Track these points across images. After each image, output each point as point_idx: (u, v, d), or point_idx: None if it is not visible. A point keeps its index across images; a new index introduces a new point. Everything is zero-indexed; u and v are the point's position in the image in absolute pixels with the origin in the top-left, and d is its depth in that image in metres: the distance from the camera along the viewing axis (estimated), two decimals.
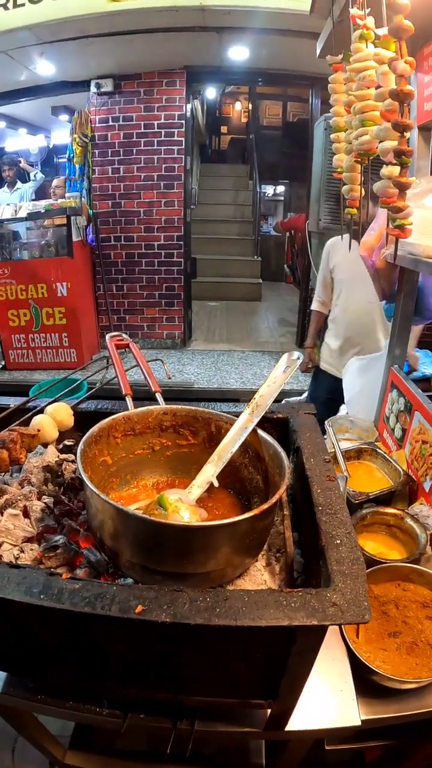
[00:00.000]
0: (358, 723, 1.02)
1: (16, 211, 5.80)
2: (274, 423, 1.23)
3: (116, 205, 6.17)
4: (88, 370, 5.60)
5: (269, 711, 0.99)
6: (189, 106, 6.11)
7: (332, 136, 1.86)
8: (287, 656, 0.81)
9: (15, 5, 4.61)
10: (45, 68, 5.48)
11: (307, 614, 0.72)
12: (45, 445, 1.25)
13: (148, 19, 4.69)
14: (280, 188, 12.42)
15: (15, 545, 1.05)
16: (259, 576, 1.04)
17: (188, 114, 6.08)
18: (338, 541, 0.87)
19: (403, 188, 1.26)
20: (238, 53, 5.45)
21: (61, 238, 5.67)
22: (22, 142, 9.63)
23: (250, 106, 12.09)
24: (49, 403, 1.28)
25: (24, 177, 7.41)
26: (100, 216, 6.22)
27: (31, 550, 1.04)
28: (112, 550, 0.94)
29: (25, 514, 1.12)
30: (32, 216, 5.65)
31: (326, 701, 1.05)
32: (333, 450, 1.79)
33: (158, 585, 0.79)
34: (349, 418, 2.29)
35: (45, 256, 5.75)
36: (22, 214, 5.71)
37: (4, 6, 4.62)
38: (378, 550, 1.48)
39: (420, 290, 2.06)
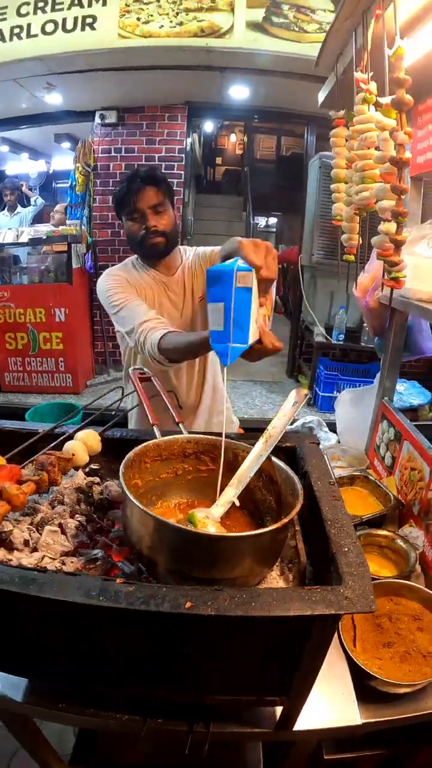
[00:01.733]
0: (359, 722, 1.14)
1: (17, 235, 5.91)
2: (284, 451, 1.35)
3: (115, 234, 6.29)
4: (84, 396, 5.75)
5: (280, 710, 1.10)
6: (189, 140, 6.29)
7: (332, 186, 1.99)
8: (302, 650, 0.92)
9: (29, 35, 4.78)
10: (52, 97, 5.65)
11: (326, 606, 0.84)
12: (76, 468, 1.35)
13: (156, 56, 4.87)
14: (273, 220, 12.62)
15: (55, 558, 1.15)
16: (275, 583, 1.15)
17: (188, 148, 6.26)
18: (346, 549, 0.99)
19: (398, 245, 1.39)
20: (239, 92, 5.63)
21: (61, 264, 5.78)
22: (23, 167, 9.80)
23: (245, 138, 12.36)
24: (77, 430, 1.38)
25: (24, 201, 7.54)
26: (99, 244, 6.34)
27: (72, 562, 1.14)
28: (150, 558, 1.05)
29: (61, 530, 1.22)
30: (33, 241, 5.77)
31: (329, 703, 1.17)
32: None
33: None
34: (342, 447, 2.41)
35: (44, 281, 5.86)
36: (24, 239, 5.82)
37: (18, 35, 4.79)
38: (371, 569, 1.57)
39: (409, 328, 2.21)
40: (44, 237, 5.80)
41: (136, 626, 0.95)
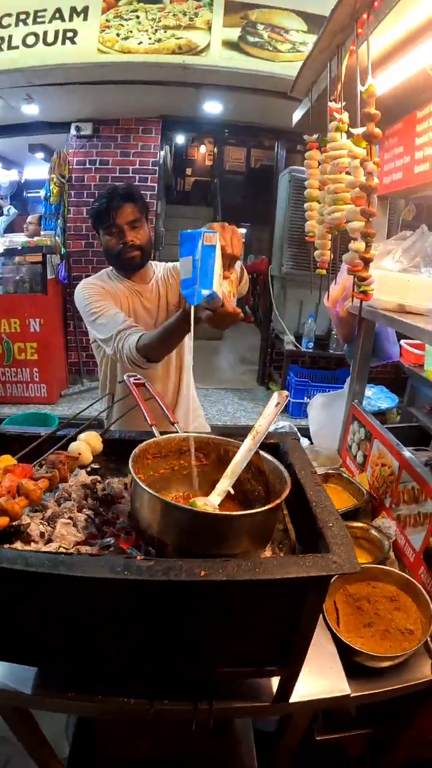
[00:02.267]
0: (348, 692, 1.26)
1: None
2: (269, 446, 1.46)
3: (89, 245, 6.37)
4: (58, 406, 5.79)
5: (278, 682, 1.22)
6: (162, 153, 6.42)
7: (306, 205, 2.11)
8: (299, 614, 1.06)
9: (9, 47, 4.82)
10: (29, 108, 5.71)
11: (318, 569, 0.98)
12: (80, 467, 1.46)
13: (133, 71, 4.96)
14: (242, 230, 12.76)
15: (69, 548, 1.26)
16: None
17: (161, 161, 6.38)
18: (330, 525, 1.13)
19: (367, 262, 1.55)
20: (212, 107, 5.78)
21: (36, 275, 5.84)
22: None
23: (215, 150, 12.53)
24: (79, 432, 1.49)
25: None
26: (73, 255, 6.41)
27: (86, 550, 1.26)
28: (159, 540, 1.17)
29: (73, 523, 1.34)
30: (9, 252, 5.82)
31: (320, 678, 1.29)
32: None
33: None
34: (315, 448, 2.55)
35: (19, 291, 5.90)
36: None
37: None
38: None
39: (376, 335, 2.37)
40: (19, 248, 5.85)
41: (151, 603, 1.06)
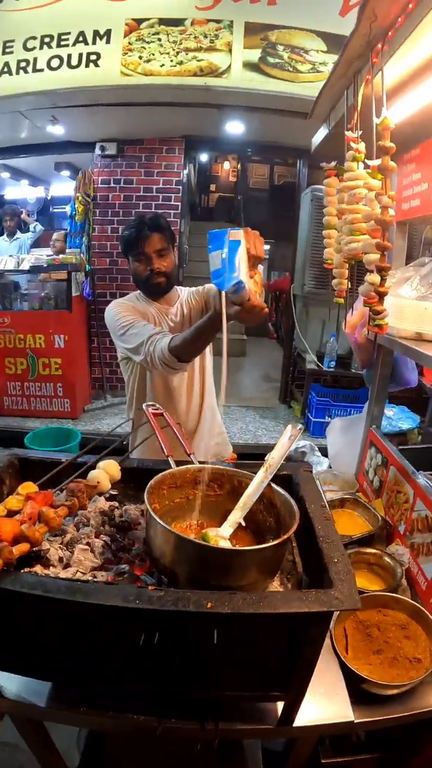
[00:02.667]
0: (353, 719, 1.29)
1: (18, 263, 6.06)
2: (282, 478, 1.50)
3: (113, 263, 6.47)
4: (81, 421, 5.85)
5: (282, 705, 1.25)
6: (185, 172, 6.49)
7: (324, 232, 2.13)
8: (302, 646, 1.10)
9: (35, 69, 4.94)
10: (54, 128, 5.82)
11: (320, 605, 1.02)
12: (99, 495, 1.51)
13: (156, 93, 5.03)
14: (266, 247, 12.74)
15: (86, 573, 1.31)
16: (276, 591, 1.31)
17: (184, 180, 6.45)
18: (336, 560, 1.17)
19: (381, 296, 1.55)
20: (234, 127, 5.82)
21: (61, 292, 5.92)
22: (22, 192, 9.97)
23: (239, 166, 12.59)
24: (98, 460, 1.53)
25: (23, 227, 7.70)
26: (97, 272, 6.50)
27: (102, 575, 1.31)
28: (171, 570, 1.22)
29: (90, 549, 1.38)
30: (35, 269, 5.91)
31: (325, 703, 1.32)
32: None
33: None
34: (333, 472, 2.56)
35: (44, 308, 5.99)
36: (25, 266, 5.97)
37: (24, 69, 4.96)
38: (360, 584, 1.74)
39: (395, 361, 2.38)
40: (45, 265, 5.94)
41: (161, 629, 1.09)
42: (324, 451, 3.14)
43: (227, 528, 1.33)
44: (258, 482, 1.38)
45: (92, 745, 1.88)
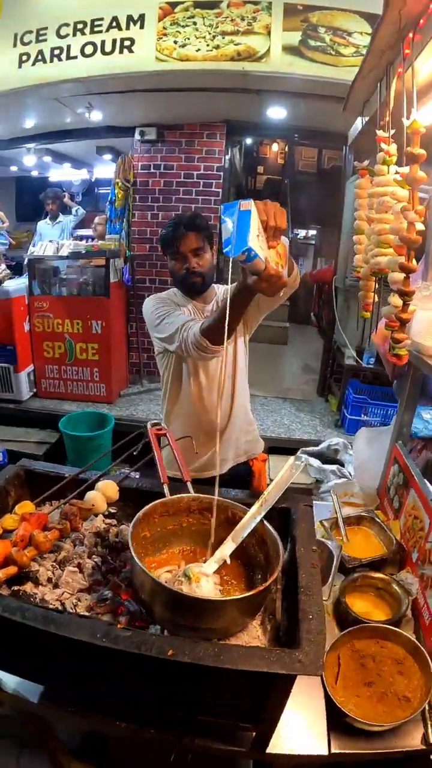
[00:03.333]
0: (326, 753, 1.28)
1: (57, 248, 6.07)
2: (279, 511, 1.50)
3: (153, 249, 6.41)
4: (116, 405, 5.88)
5: (254, 733, 1.26)
6: (227, 158, 6.37)
7: (354, 237, 2.04)
8: (269, 691, 1.11)
9: (68, 57, 4.86)
10: (93, 115, 5.79)
11: (281, 665, 1.02)
12: (96, 514, 1.51)
13: (193, 78, 4.90)
14: (312, 232, 12.55)
15: (72, 594, 1.35)
16: (254, 631, 1.31)
17: (226, 165, 6.34)
18: (311, 617, 1.15)
19: (403, 322, 1.43)
20: (276, 112, 5.66)
21: (99, 278, 5.93)
22: (66, 174, 10.02)
23: (287, 148, 12.34)
24: (98, 478, 1.51)
25: (66, 210, 7.72)
26: (136, 258, 6.47)
27: (86, 599, 1.34)
28: (148, 605, 1.23)
29: (79, 569, 1.41)
30: (73, 255, 5.92)
31: (302, 734, 1.32)
32: (336, 516, 2.01)
33: (182, 633, 1.14)
34: (357, 483, 2.47)
35: (83, 294, 6.02)
36: (64, 252, 5.98)
37: (58, 57, 4.89)
38: (366, 609, 1.72)
39: (426, 375, 2.24)
40: (83, 251, 5.94)
41: (129, 662, 1.12)
42: None
43: (212, 564, 1.31)
44: (250, 516, 1.35)
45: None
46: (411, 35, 1.31)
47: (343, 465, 4.56)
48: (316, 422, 5.71)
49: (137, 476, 2.36)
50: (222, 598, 1.24)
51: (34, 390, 6.20)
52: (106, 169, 8.91)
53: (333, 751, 1.29)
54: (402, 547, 1.91)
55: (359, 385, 5.42)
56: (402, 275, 1.42)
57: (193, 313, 2.35)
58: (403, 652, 1.51)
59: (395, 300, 1.45)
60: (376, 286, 1.91)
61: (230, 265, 1.48)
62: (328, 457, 4.76)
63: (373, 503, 2.31)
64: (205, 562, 1.34)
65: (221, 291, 2.48)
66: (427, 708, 1.37)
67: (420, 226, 1.38)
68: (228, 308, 1.81)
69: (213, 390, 2.40)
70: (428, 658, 1.44)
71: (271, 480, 1.37)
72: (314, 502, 2.55)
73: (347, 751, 1.31)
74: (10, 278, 5.91)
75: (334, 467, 4.49)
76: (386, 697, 1.39)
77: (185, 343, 2.06)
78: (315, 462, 4.60)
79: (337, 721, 1.33)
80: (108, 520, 1.59)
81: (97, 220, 7.07)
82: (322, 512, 2.25)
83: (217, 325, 1.91)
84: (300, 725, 1.32)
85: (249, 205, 1.43)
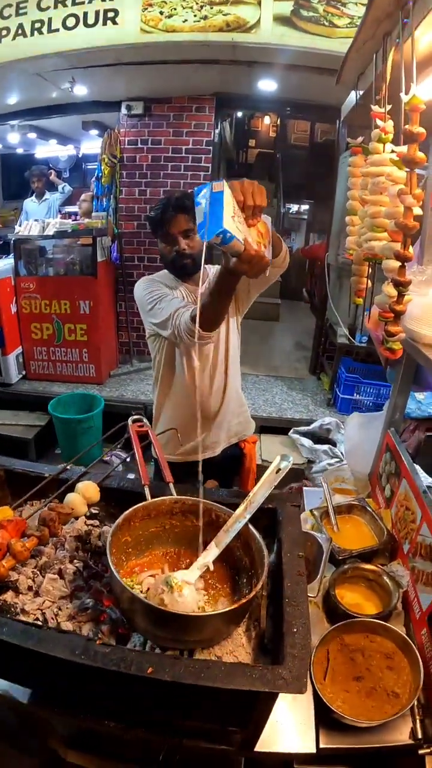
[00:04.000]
0: (314, 751, 1.27)
1: (43, 227, 5.95)
2: (266, 512, 1.44)
3: (141, 226, 6.27)
4: (106, 386, 5.82)
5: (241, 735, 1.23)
6: (217, 131, 6.22)
7: (347, 218, 1.96)
8: (254, 702, 1.08)
9: (50, 30, 4.69)
10: (77, 89, 5.61)
11: (263, 683, 0.98)
12: (76, 517, 1.47)
13: (180, 50, 4.75)
14: (305, 207, 12.42)
15: (54, 603, 1.30)
16: (239, 639, 1.27)
17: (216, 139, 6.19)
18: (295, 630, 1.11)
19: (397, 314, 1.35)
20: (268, 85, 5.51)
21: (86, 257, 5.80)
22: (52, 150, 9.85)
23: (279, 122, 12.14)
24: (79, 478, 1.45)
25: (53, 187, 7.58)
26: (125, 236, 6.34)
27: (67, 608, 1.29)
28: (128, 616, 1.21)
29: (60, 575, 1.36)
30: (59, 234, 5.79)
31: (290, 732, 1.30)
32: (326, 505, 1.96)
33: (163, 645, 1.14)
34: (349, 469, 2.43)
35: (70, 274, 5.90)
36: (50, 231, 5.85)
37: (39, 30, 4.72)
38: (356, 600, 1.70)
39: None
40: (69, 230, 5.81)
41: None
42: None
43: (195, 571, 1.26)
44: (234, 518, 1.31)
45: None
46: (411, 2, 1.22)
47: (335, 445, 4.54)
48: (308, 401, 5.67)
49: (128, 459, 2.30)
50: (204, 614, 1.20)
51: (23, 372, 6.12)
52: (93, 144, 8.73)
53: (321, 746, 1.28)
54: (393, 537, 1.87)
55: (352, 363, 5.36)
56: (397, 264, 1.32)
57: (186, 297, 2.32)
58: (393, 646, 1.48)
59: (389, 290, 1.36)
60: (369, 271, 1.82)
61: (204, 249, 1.45)
62: (320, 437, 4.73)
63: (364, 490, 2.27)
64: (189, 565, 1.29)
65: (212, 272, 2.34)
66: (415, 704, 1.35)
67: (418, 211, 1.29)
68: (212, 293, 1.77)
69: (206, 373, 2.37)
70: (417, 653, 1.42)
71: (263, 461, 1.32)
72: (305, 488, 2.53)
73: (335, 746, 1.29)
74: None
75: (325, 447, 4.46)
76: (375, 692, 1.37)
77: (178, 329, 2.02)
78: (307, 442, 4.58)
79: (326, 716, 1.32)
80: (90, 522, 1.54)
81: (82, 197, 6.93)
82: (313, 499, 2.22)
83: (207, 311, 1.85)
84: (288, 721, 1.30)
85: (221, 185, 1.37)
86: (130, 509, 1.32)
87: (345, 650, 1.47)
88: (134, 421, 1.60)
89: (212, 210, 1.33)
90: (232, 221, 1.33)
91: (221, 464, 2.43)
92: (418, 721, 1.34)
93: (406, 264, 1.32)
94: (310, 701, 1.34)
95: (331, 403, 5.53)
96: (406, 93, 1.22)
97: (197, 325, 1.70)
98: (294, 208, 12.71)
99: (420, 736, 1.32)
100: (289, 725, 1.30)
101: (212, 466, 2.37)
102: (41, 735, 1.59)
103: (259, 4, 4.50)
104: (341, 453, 4.29)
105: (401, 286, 1.32)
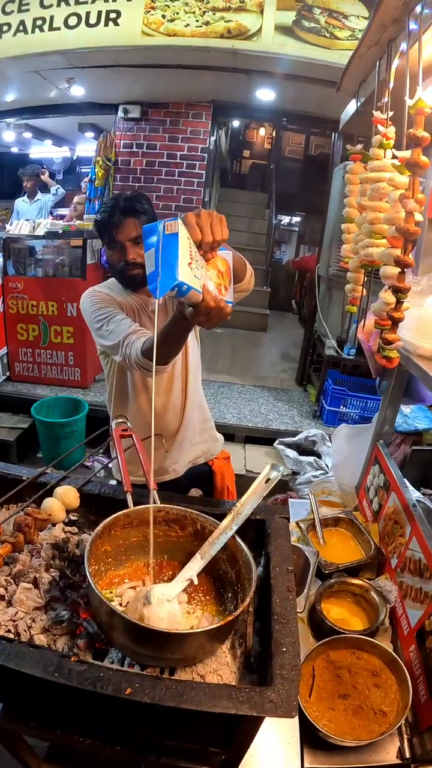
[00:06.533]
0: None
1: (34, 227, 5.88)
2: (253, 523, 1.39)
3: None
4: (91, 390, 5.75)
5: (223, 756, 1.17)
6: (213, 139, 6.22)
7: (343, 226, 1.93)
8: (239, 725, 1.02)
9: (51, 28, 4.71)
10: (75, 90, 5.61)
11: (250, 707, 0.92)
12: (53, 524, 1.40)
13: (180, 55, 4.77)
14: (296, 218, 12.48)
15: (27, 614, 1.22)
16: (223, 657, 1.21)
17: (211, 147, 6.19)
18: (284, 649, 1.05)
19: (395, 322, 1.31)
20: (265, 94, 5.54)
21: (76, 259, 5.73)
22: (47, 151, 9.82)
23: (274, 133, 12.20)
24: (57, 483, 1.39)
25: (45, 188, 7.52)
26: None
27: (41, 620, 1.21)
28: (106, 630, 1.13)
29: (35, 584, 1.28)
30: (50, 235, 5.72)
31: (274, 751, 1.26)
32: (312, 517, 1.93)
33: (142, 662, 1.09)
34: (336, 481, 2.39)
35: (58, 275, 5.82)
36: (40, 231, 5.78)
37: (40, 27, 4.72)
38: (342, 615, 1.65)
39: (412, 375, 2.14)
40: (60, 231, 5.75)
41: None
42: None
43: (178, 585, 1.20)
44: (220, 530, 1.24)
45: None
46: (419, 8, 1.19)
47: (320, 457, 4.51)
48: (294, 412, 5.63)
49: (110, 465, 2.23)
50: (187, 632, 1.13)
51: (8, 374, 6.01)
52: (88, 147, 8.74)
53: (306, 766, 1.24)
54: (381, 551, 1.83)
55: (339, 375, 5.33)
56: (397, 270, 1.28)
57: (137, 310, 2.12)
58: (380, 663, 1.43)
59: (387, 296, 1.32)
60: (365, 278, 1.79)
61: (156, 308, 1.39)
62: (306, 449, 4.70)
63: (351, 503, 2.23)
64: (172, 577, 1.24)
65: None
66: (403, 722, 1.31)
67: (419, 217, 1.26)
68: (164, 337, 1.61)
69: (160, 390, 2.18)
70: (406, 670, 1.37)
71: (248, 471, 1.27)
72: (290, 500, 2.48)
73: (321, 767, 1.25)
74: None
75: (311, 459, 4.43)
76: (362, 710, 1.32)
77: (128, 359, 1.85)
78: (292, 453, 4.54)
79: (312, 735, 1.27)
80: (68, 528, 1.47)
81: (76, 199, 6.89)
82: (299, 511, 2.17)
83: (159, 350, 1.71)
84: (272, 740, 1.25)
85: (175, 226, 1.22)
86: (111, 517, 1.26)
87: (331, 667, 1.42)
88: (118, 425, 1.53)
89: (165, 257, 1.18)
90: (188, 269, 1.20)
91: (187, 485, 2.13)
92: (405, 740, 1.31)
93: (405, 271, 1.28)
94: (295, 719, 1.28)
95: (317, 414, 5.49)
96: (411, 97, 1.19)
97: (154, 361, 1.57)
98: (285, 219, 12.74)
99: (408, 755, 1.28)
100: (273, 745, 1.25)
101: (177, 488, 2.11)
102: (12, 747, 1.53)
103: (262, 12, 4.54)
104: (326, 465, 4.26)
105: (400, 293, 1.27)
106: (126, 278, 2.09)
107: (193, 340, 2.23)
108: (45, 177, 7.48)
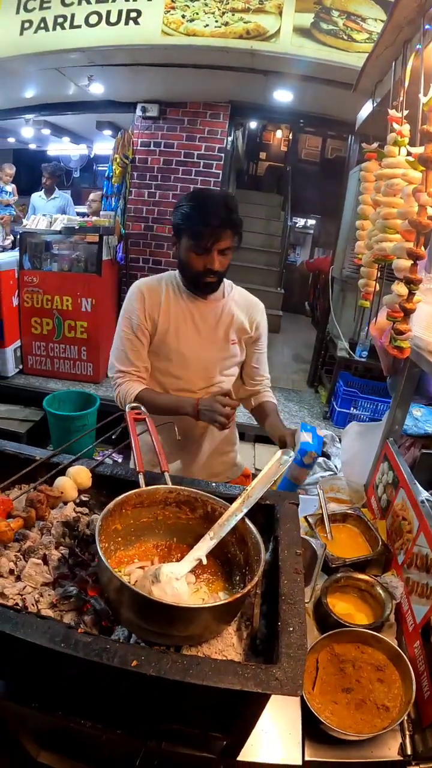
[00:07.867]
0: (300, 763, 1.21)
1: (51, 222, 5.93)
2: (263, 508, 1.40)
3: (148, 228, 6.30)
4: (103, 385, 5.77)
5: (225, 742, 1.17)
6: (230, 139, 6.23)
7: (357, 223, 1.95)
8: (243, 705, 1.02)
9: (72, 26, 4.74)
10: (94, 87, 5.63)
11: (255, 683, 0.92)
12: (65, 502, 1.42)
13: (199, 55, 4.78)
14: (312, 221, 12.46)
15: (35, 588, 1.23)
16: (229, 639, 1.21)
17: (228, 147, 6.20)
18: (291, 629, 1.05)
19: (407, 313, 1.33)
20: (283, 96, 5.53)
21: (92, 255, 5.77)
22: (65, 149, 9.87)
23: (291, 136, 12.18)
24: (70, 464, 1.40)
25: (64, 187, 7.56)
26: (131, 237, 6.35)
27: (49, 595, 1.22)
28: (114, 607, 1.14)
29: (44, 561, 1.30)
30: (66, 231, 5.76)
31: (276, 742, 1.24)
32: (321, 512, 1.96)
33: (148, 639, 1.07)
34: (344, 479, 2.39)
35: (74, 270, 5.86)
36: (57, 226, 5.82)
37: (61, 25, 4.76)
38: (348, 610, 1.65)
39: (423, 372, 2.15)
40: (77, 227, 5.79)
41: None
42: None
43: (186, 564, 1.20)
44: (230, 513, 1.25)
45: None
46: None
47: (329, 458, 4.50)
48: (304, 413, 5.63)
49: (119, 458, 2.25)
50: (195, 606, 1.14)
51: (20, 366, 6.06)
52: (105, 145, 8.76)
53: (307, 758, 1.23)
54: (388, 548, 1.84)
55: (350, 377, 5.33)
56: (409, 262, 1.31)
57: (184, 310, 2.04)
58: (384, 658, 1.44)
59: (400, 288, 1.34)
60: (378, 274, 1.81)
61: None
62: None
63: (359, 500, 2.23)
64: (180, 559, 1.24)
65: (234, 293, 2.18)
66: (406, 718, 1.31)
67: (431, 211, 1.28)
68: (161, 409, 1.87)
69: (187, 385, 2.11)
70: (410, 666, 1.38)
71: (256, 470, 1.28)
72: (300, 496, 2.49)
73: (322, 759, 1.25)
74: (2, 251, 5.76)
75: (320, 459, 4.42)
76: (365, 704, 1.32)
77: (120, 399, 1.97)
78: None
79: (313, 728, 1.27)
80: (79, 509, 1.48)
81: (92, 196, 6.92)
82: (307, 507, 2.17)
83: (152, 408, 1.73)
84: (274, 731, 1.25)
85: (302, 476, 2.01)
86: (123, 495, 1.27)
87: (335, 660, 1.43)
88: (132, 409, 1.55)
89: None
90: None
91: None
92: (407, 736, 1.31)
93: (417, 264, 1.30)
94: (298, 711, 1.29)
95: (328, 416, 5.49)
96: (425, 95, 1.22)
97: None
98: (300, 222, 12.73)
99: (409, 752, 1.28)
100: (275, 735, 1.25)
101: None
102: (12, 731, 1.54)
103: (280, 14, 4.54)
104: (335, 466, 4.25)
105: (413, 284, 1.30)
106: (201, 284, 1.99)
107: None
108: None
